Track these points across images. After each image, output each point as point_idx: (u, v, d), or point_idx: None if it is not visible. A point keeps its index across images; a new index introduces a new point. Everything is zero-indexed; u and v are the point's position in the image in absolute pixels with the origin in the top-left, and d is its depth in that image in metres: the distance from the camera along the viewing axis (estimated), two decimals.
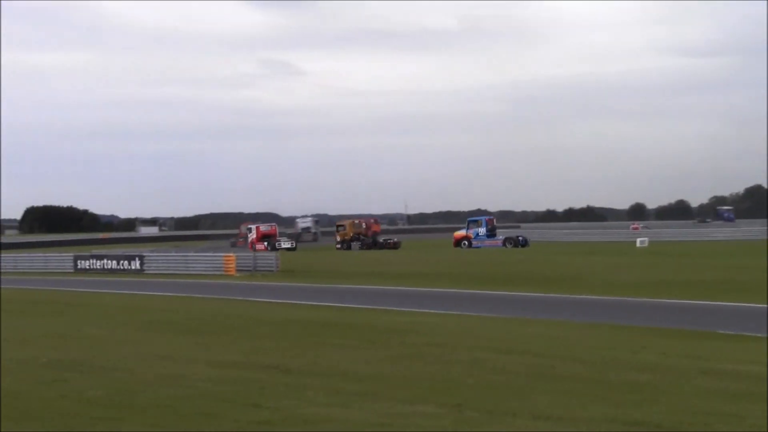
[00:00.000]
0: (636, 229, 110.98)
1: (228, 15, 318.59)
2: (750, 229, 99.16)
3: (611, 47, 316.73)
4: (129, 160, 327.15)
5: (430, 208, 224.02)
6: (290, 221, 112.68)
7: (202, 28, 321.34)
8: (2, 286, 43.89)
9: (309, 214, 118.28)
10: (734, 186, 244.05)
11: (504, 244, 78.28)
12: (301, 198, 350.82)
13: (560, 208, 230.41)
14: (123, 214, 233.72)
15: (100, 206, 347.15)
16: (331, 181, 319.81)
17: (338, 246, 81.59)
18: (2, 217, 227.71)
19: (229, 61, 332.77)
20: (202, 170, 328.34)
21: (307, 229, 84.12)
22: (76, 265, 58.23)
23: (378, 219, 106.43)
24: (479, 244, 78.49)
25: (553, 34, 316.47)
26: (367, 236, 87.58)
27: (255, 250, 72.67)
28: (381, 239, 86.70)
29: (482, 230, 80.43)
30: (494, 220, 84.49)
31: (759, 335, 19.49)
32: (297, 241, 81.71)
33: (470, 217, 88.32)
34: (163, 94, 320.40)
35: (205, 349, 19.14)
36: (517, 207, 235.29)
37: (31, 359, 18.13)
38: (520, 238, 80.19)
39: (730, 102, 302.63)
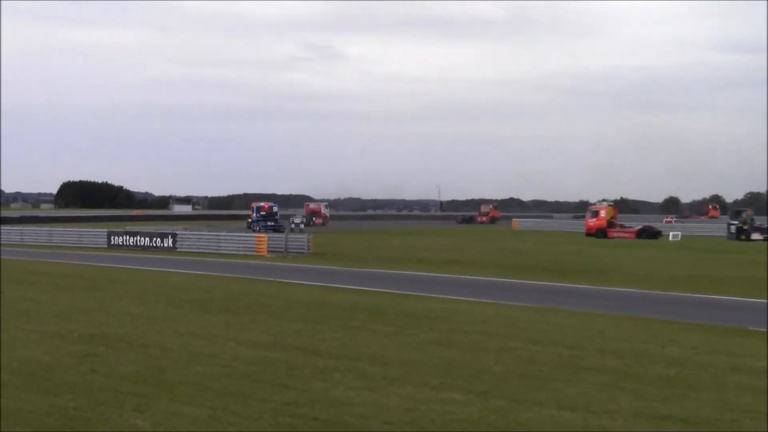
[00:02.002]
0: (670, 222, 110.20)
1: None
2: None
3: (657, 41, 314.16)
4: (165, 138, 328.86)
5: (462, 196, 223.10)
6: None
7: (247, 10, 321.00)
8: (36, 259, 44.29)
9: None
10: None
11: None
12: (336, 181, 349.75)
13: (594, 199, 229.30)
14: (157, 191, 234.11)
15: (135, 183, 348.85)
16: (368, 166, 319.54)
17: None
18: (38, 191, 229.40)
19: (271, 43, 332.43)
20: (238, 151, 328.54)
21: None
22: (109, 241, 58.58)
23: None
24: (256, 228, 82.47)
25: (598, 28, 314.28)
26: None
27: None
28: None
29: (254, 215, 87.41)
30: (271, 208, 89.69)
31: None
32: None
33: (256, 204, 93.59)
34: (204, 74, 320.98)
35: (236, 328, 19.26)
36: (551, 197, 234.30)
37: (66, 333, 18.32)
38: (292, 223, 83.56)
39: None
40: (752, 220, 75.70)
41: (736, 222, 74.57)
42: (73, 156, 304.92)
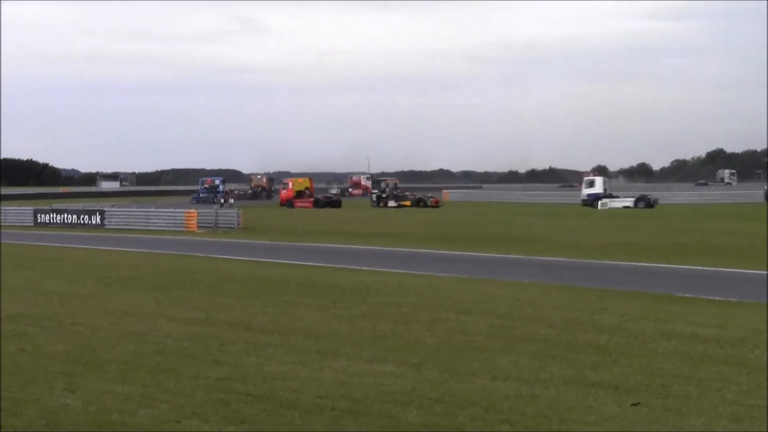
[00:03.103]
0: None
1: None
2: (710, 193, 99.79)
3: (579, 9, 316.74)
4: (91, 114, 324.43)
5: (393, 168, 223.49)
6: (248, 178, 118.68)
7: None
8: None
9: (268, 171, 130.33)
10: (696, 149, 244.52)
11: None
12: (263, 155, 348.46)
13: (522, 169, 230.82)
14: (84, 168, 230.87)
15: (60, 160, 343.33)
16: (295, 139, 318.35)
17: None
18: None
19: (196, 15, 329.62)
20: (165, 125, 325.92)
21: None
22: (36, 219, 57.71)
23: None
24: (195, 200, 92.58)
25: None
26: None
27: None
28: None
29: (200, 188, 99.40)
30: (213, 181, 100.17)
31: (716, 298, 19.68)
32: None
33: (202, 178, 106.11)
34: (126, 48, 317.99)
35: (167, 305, 19.13)
36: (480, 167, 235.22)
37: None
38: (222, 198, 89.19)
39: (694, 66, 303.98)
40: (395, 187, 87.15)
41: (376, 191, 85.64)
42: None
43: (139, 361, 13.21)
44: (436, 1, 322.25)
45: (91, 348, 14.24)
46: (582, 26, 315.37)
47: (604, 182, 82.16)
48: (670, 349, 13.78)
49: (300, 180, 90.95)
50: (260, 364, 12.85)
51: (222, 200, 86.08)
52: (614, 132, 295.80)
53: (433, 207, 79.44)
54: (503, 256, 31.53)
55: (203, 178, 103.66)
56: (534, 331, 15.51)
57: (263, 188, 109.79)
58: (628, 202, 76.33)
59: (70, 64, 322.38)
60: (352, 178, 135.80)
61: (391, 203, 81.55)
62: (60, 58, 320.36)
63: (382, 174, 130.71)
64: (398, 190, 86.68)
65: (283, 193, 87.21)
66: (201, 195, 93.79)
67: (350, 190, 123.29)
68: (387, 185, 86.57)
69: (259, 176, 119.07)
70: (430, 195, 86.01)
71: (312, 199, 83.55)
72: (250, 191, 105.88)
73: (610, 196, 78.46)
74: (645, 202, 75.96)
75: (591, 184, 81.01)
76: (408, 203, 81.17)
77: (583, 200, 79.05)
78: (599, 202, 75.79)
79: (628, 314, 17.20)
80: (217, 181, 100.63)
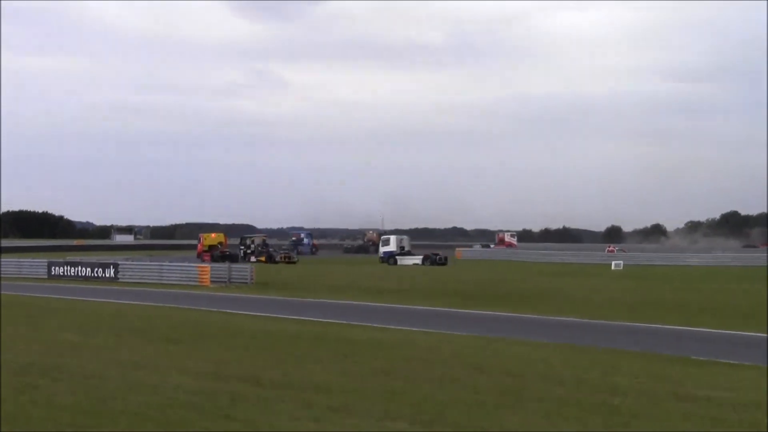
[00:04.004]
0: (611, 251, 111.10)
1: (214, 23, 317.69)
2: (724, 255, 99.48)
3: (593, 68, 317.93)
4: (106, 167, 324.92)
5: (407, 225, 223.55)
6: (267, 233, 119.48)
7: (186, 36, 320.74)
8: None
9: (287, 226, 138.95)
10: (710, 212, 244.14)
11: None
12: (279, 210, 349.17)
13: (536, 228, 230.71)
14: (98, 221, 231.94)
15: (75, 212, 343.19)
16: (311, 194, 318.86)
17: None
18: None
19: (212, 69, 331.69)
20: (180, 179, 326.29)
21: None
22: (50, 271, 57.91)
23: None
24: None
25: (538, 54, 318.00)
26: None
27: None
28: None
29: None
30: (299, 235, 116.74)
31: (731, 361, 19.59)
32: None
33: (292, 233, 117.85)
34: (143, 101, 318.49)
35: (178, 358, 19.07)
36: (494, 226, 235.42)
37: (4, 363, 18.00)
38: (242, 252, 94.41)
39: (708, 127, 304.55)
40: (263, 244, 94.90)
41: (243, 247, 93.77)
42: (11, 185, 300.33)
43: (150, 413, 13.14)
44: (448, 59, 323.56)
45: (102, 400, 14.18)
46: (594, 86, 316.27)
47: (399, 240, 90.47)
48: (684, 412, 13.67)
49: (213, 235, 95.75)
50: (271, 420, 12.77)
51: (241, 254, 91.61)
52: (631, 191, 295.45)
53: (287, 263, 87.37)
54: (516, 315, 31.41)
55: (291, 232, 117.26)
56: (546, 390, 15.40)
57: (373, 242, 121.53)
58: (417, 260, 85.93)
59: (86, 116, 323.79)
60: (498, 234, 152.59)
61: (253, 259, 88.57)
62: (76, 110, 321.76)
63: (396, 231, 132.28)
64: (266, 247, 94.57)
65: (199, 246, 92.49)
66: (282, 248, 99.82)
67: (491, 246, 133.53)
68: (252, 242, 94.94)
69: (371, 231, 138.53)
70: (283, 251, 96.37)
71: (209, 254, 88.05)
72: (357, 245, 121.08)
73: (408, 254, 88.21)
74: (431, 260, 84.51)
75: (386, 242, 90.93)
76: (263, 259, 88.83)
77: (381, 258, 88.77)
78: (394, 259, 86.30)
79: (642, 375, 17.11)
80: (302, 235, 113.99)
